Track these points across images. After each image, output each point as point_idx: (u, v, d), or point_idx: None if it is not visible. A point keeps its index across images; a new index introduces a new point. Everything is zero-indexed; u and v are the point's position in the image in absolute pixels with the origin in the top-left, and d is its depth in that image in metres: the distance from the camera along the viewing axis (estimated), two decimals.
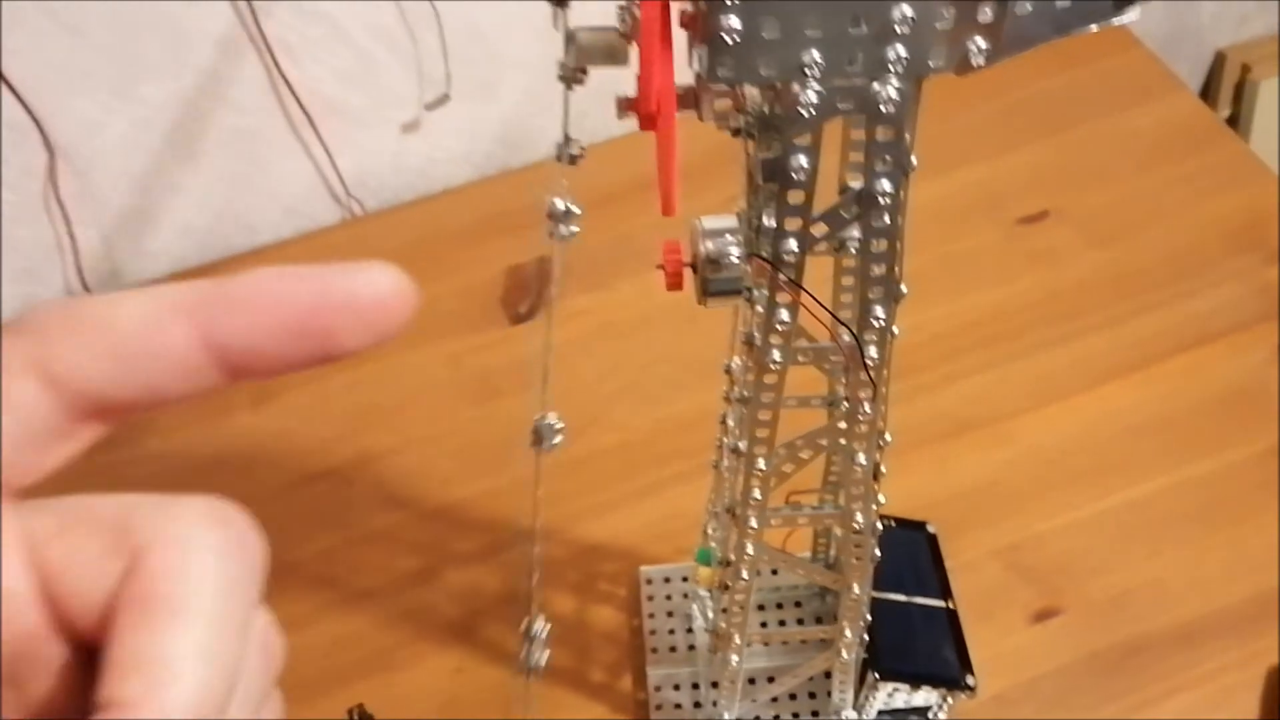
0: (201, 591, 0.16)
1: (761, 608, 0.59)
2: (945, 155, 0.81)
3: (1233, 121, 1.12)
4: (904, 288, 0.36)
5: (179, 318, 0.17)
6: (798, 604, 0.60)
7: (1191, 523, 0.65)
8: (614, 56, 0.30)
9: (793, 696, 0.57)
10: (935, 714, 0.54)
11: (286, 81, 0.77)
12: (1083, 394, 0.70)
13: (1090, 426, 0.69)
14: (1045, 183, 0.82)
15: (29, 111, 0.72)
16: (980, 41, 0.28)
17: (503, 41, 0.82)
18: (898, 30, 0.28)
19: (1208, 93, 1.13)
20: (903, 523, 0.55)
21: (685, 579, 0.62)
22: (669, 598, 0.62)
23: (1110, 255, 0.77)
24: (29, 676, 0.17)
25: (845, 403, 0.40)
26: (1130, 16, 0.29)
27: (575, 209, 0.25)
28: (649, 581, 0.63)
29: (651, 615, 0.61)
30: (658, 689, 0.59)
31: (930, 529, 0.55)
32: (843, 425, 0.41)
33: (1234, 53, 1.10)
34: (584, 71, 0.29)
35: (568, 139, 0.31)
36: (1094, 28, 0.29)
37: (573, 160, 0.26)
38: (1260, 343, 0.72)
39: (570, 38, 0.29)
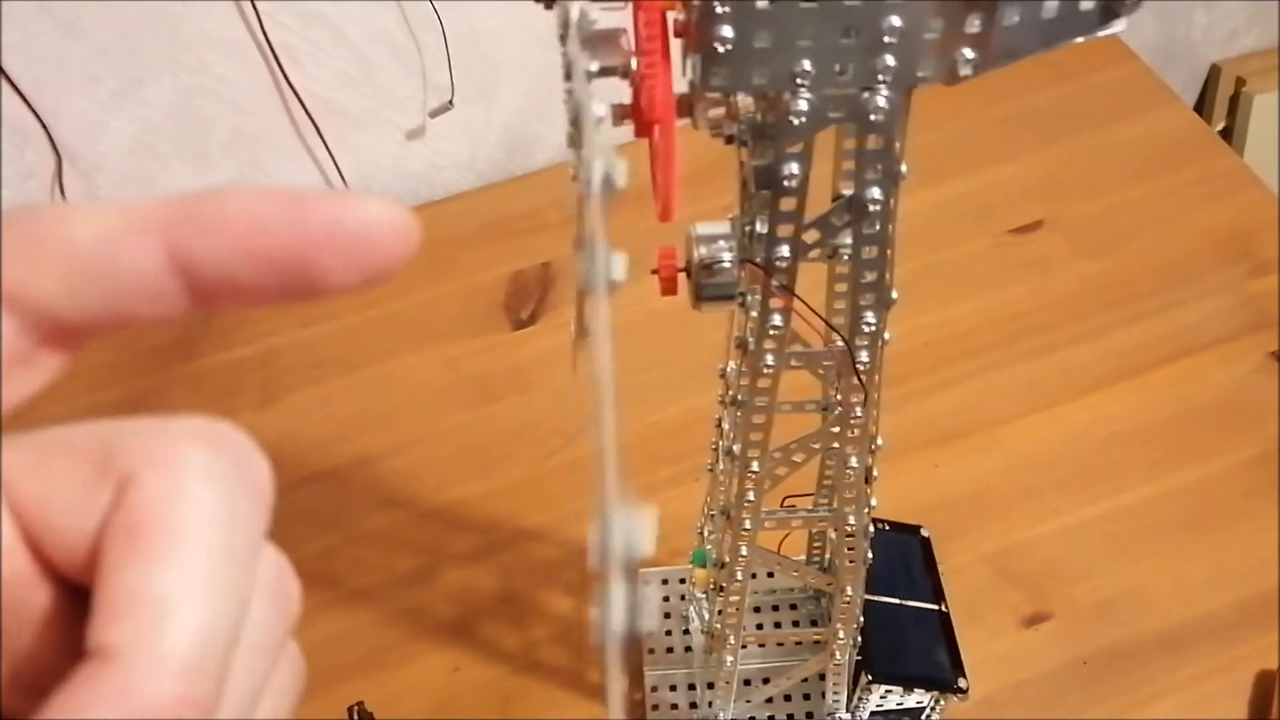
0: (197, 519, 0.14)
1: (756, 610, 0.60)
2: (939, 165, 0.82)
3: (1227, 134, 1.13)
4: (895, 294, 0.37)
5: (146, 235, 0.15)
6: (792, 606, 0.60)
7: (1177, 530, 0.65)
8: (613, 58, 0.31)
9: (787, 698, 0.57)
10: (927, 715, 0.55)
11: (291, 85, 0.78)
12: (1071, 402, 0.71)
13: (1078, 434, 0.70)
14: (1038, 193, 0.83)
15: (35, 114, 0.73)
16: (968, 52, 0.29)
17: (500, 46, 0.83)
18: (887, 40, 0.29)
19: (1202, 106, 1.14)
20: (896, 526, 0.56)
21: (681, 581, 0.63)
22: (665, 599, 0.62)
23: (1100, 265, 0.78)
24: (11, 628, 0.15)
25: (838, 407, 0.40)
26: (1117, 28, 0.30)
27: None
28: (646, 583, 0.63)
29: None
30: (654, 689, 0.59)
31: (924, 532, 0.56)
32: (835, 429, 0.41)
33: (1228, 66, 1.11)
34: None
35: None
36: (1080, 39, 0.30)
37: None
38: (1247, 354, 0.73)
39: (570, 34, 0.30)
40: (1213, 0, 1.06)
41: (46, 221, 0.15)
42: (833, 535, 0.53)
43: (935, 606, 0.54)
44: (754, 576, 0.49)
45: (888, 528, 0.56)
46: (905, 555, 0.56)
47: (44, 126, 0.73)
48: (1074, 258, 0.79)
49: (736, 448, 0.42)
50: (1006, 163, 0.84)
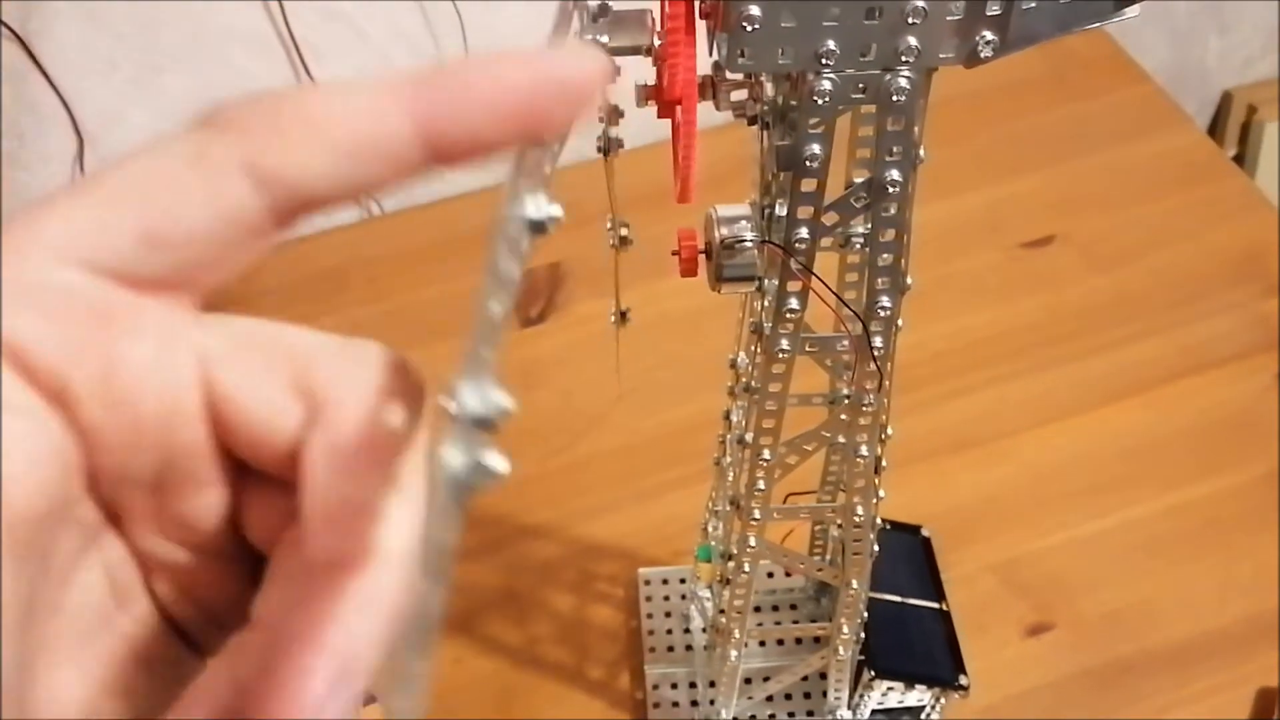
0: (391, 439, 0.16)
1: (757, 609, 0.60)
2: (955, 179, 0.83)
3: (1238, 161, 1.14)
4: (910, 280, 0.37)
5: (397, 106, 0.16)
6: (793, 606, 0.60)
7: (1184, 545, 0.65)
8: (639, 37, 0.31)
9: (788, 696, 0.57)
10: (927, 715, 0.55)
11: (313, 80, 0.79)
12: (1081, 415, 0.71)
13: (1087, 447, 0.70)
14: (1050, 208, 0.83)
15: (60, 95, 0.73)
16: (988, 34, 0.30)
17: (519, 45, 0.83)
18: (910, 21, 0.29)
19: (1214, 132, 1.15)
20: (897, 525, 0.56)
21: (683, 580, 0.63)
22: (667, 599, 0.62)
23: (1112, 281, 0.78)
24: (175, 490, 0.17)
25: (847, 398, 0.41)
26: (1130, 14, 0.30)
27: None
28: (647, 583, 0.63)
29: (650, 615, 0.62)
30: (656, 688, 0.59)
31: (925, 532, 0.56)
32: (844, 418, 0.41)
33: (1241, 93, 1.12)
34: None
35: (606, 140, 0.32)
36: (1095, 25, 0.30)
37: (606, 150, 0.27)
38: (1256, 372, 0.73)
39: (601, 11, 0.30)
40: (1227, 28, 1.07)
41: (295, 101, 0.16)
42: (835, 532, 0.53)
43: (936, 604, 0.54)
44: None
45: (889, 526, 0.56)
46: (907, 554, 0.56)
47: (67, 109, 0.74)
48: (1085, 272, 0.79)
49: (748, 436, 0.42)
50: (1019, 177, 0.85)
